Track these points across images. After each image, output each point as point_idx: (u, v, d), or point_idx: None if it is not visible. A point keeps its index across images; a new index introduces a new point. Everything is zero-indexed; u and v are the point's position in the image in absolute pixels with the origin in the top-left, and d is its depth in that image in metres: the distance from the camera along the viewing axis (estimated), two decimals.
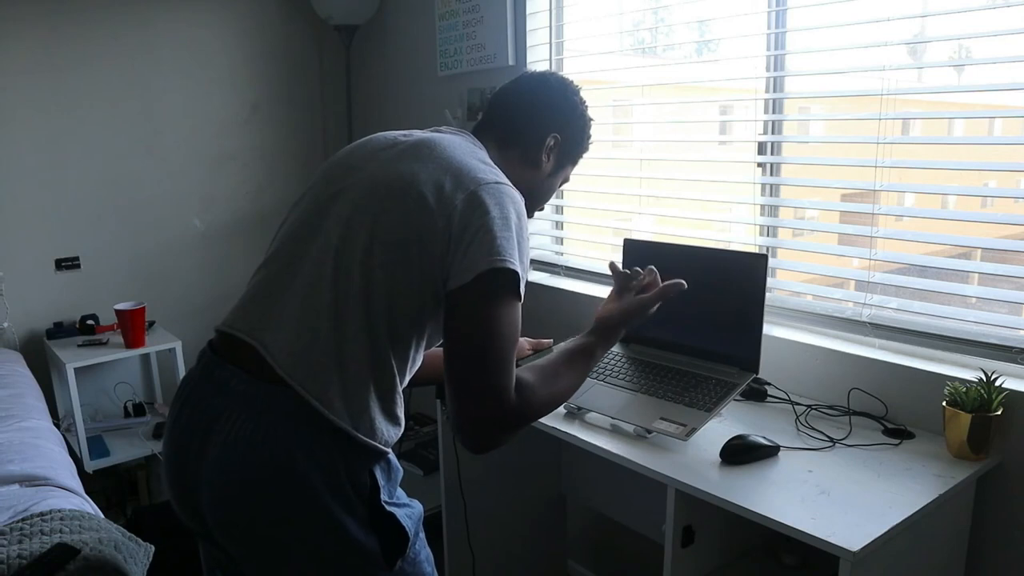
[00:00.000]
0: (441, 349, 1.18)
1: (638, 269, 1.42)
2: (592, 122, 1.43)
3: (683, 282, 1.36)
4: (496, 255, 1.09)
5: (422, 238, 1.12)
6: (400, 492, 1.20)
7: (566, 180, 1.46)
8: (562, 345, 1.31)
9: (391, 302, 1.13)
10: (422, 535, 1.22)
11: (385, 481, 1.15)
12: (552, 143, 1.36)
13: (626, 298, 1.38)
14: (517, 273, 1.10)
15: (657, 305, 1.37)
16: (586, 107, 1.41)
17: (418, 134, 1.28)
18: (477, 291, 1.09)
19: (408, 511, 1.18)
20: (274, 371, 1.10)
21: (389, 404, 1.15)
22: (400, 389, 1.18)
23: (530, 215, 1.29)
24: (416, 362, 1.22)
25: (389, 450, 1.16)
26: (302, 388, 1.08)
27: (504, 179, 1.19)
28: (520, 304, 1.12)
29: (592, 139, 1.45)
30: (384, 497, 1.14)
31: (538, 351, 1.63)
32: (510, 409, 1.08)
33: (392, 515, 1.14)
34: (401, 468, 1.21)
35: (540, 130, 1.35)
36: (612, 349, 1.79)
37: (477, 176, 1.16)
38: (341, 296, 1.12)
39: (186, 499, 1.17)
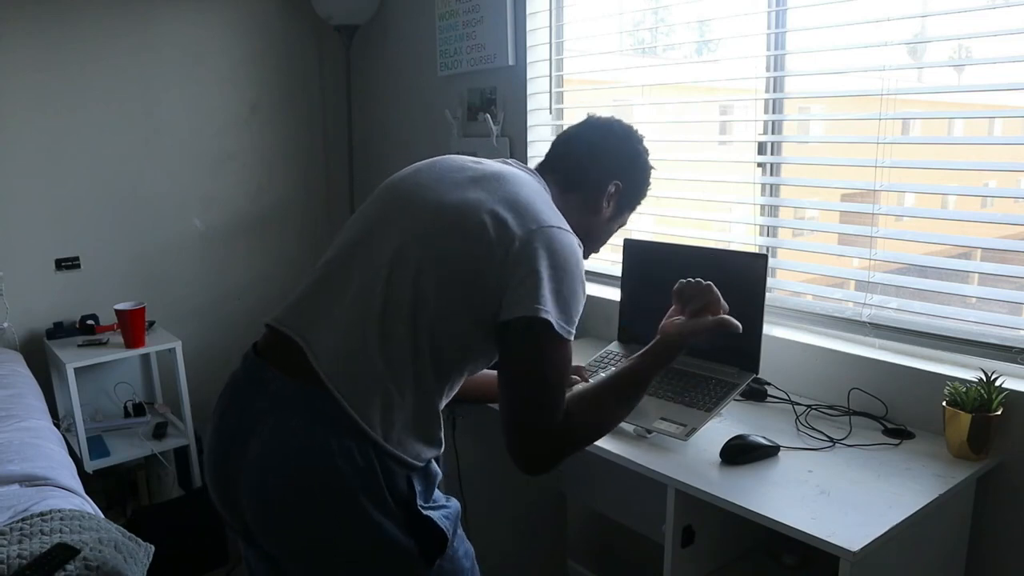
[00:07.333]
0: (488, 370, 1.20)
1: (698, 280, 1.34)
2: (653, 170, 1.44)
3: (739, 325, 1.30)
4: (536, 303, 1.10)
5: (478, 266, 1.13)
6: (437, 493, 1.20)
7: (623, 225, 1.46)
8: (614, 370, 1.29)
9: (438, 321, 1.13)
10: (460, 531, 1.23)
11: (423, 487, 1.16)
12: (613, 190, 1.37)
13: (688, 321, 1.31)
14: (550, 323, 1.10)
15: (707, 332, 1.29)
16: (648, 155, 1.43)
17: (489, 163, 1.29)
18: (518, 332, 1.12)
19: (445, 511, 1.18)
20: (315, 373, 1.10)
21: (423, 421, 1.15)
22: (438, 409, 1.19)
23: (585, 257, 1.30)
24: (456, 385, 1.23)
25: (422, 464, 1.16)
26: (338, 393, 1.09)
27: (565, 225, 1.20)
28: (570, 344, 1.15)
29: (651, 186, 1.45)
30: (421, 502, 1.14)
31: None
32: (551, 441, 1.14)
33: (429, 518, 1.14)
34: (440, 471, 1.22)
35: (603, 177, 1.36)
36: (612, 350, 1.80)
37: (539, 217, 1.17)
38: (391, 308, 1.13)
39: (227, 499, 1.18)
